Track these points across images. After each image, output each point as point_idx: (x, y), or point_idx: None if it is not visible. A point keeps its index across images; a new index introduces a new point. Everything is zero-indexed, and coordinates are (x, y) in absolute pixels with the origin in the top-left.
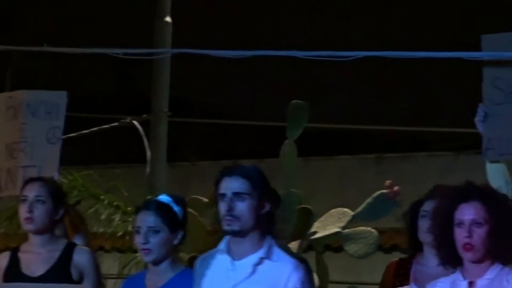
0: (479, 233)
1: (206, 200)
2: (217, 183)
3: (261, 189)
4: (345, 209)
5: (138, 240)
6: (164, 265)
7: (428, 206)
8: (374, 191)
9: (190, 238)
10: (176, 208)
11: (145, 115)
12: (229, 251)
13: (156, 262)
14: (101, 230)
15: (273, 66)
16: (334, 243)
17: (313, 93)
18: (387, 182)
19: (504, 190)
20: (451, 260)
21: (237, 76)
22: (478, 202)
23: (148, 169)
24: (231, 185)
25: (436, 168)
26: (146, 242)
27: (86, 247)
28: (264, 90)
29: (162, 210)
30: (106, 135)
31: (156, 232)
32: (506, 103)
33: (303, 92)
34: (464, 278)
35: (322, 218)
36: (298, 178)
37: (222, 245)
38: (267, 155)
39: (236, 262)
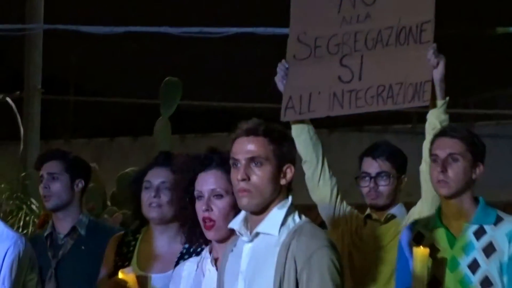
0: (220, 205)
1: None
2: None
3: None
4: None
5: None
6: None
7: (150, 176)
8: None
9: None
10: None
11: (18, 92)
12: None
13: None
14: None
15: (148, 43)
16: None
17: (189, 70)
18: None
19: (313, 155)
20: (196, 237)
21: (111, 53)
22: (218, 170)
23: (21, 147)
24: None
25: None
26: None
27: None
28: (139, 68)
29: None
30: None
31: None
32: (311, 57)
33: (178, 70)
34: (210, 254)
35: None
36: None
37: None
38: (142, 133)
39: None
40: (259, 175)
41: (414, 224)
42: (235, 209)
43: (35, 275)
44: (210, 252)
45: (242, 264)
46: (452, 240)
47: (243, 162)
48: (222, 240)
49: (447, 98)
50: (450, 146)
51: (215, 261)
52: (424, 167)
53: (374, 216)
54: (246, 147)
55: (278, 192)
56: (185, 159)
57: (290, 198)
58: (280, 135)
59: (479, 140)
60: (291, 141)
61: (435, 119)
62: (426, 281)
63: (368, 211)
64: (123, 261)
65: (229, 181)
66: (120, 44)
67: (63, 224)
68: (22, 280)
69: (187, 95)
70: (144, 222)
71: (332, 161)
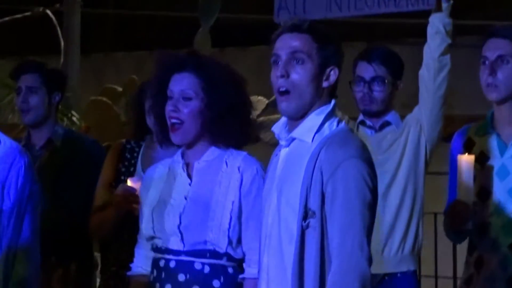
0: (189, 107)
1: (120, 89)
2: None
3: None
4: (260, 97)
5: None
6: None
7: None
8: None
9: (105, 127)
10: None
11: (57, 5)
12: None
13: None
14: (17, 120)
15: None
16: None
17: None
18: None
19: None
20: (167, 138)
21: None
22: (192, 74)
23: (62, 60)
24: None
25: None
26: None
27: None
28: None
29: None
30: (18, 25)
31: None
32: None
33: None
34: (182, 159)
35: None
36: None
37: None
38: (182, 46)
39: None
40: (300, 73)
41: (466, 130)
42: (203, 115)
43: (38, 187)
44: (182, 156)
45: (278, 171)
46: (502, 147)
47: (283, 58)
48: (190, 145)
49: (451, 1)
50: (499, 47)
51: (187, 166)
52: (425, 73)
53: (368, 122)
54: (288, 43)
55: (320, 95)
56: (162, 57)
57: (332, 103)
58: (325, 35)
59: None
60: (338, 44)
61: (438, 22)
62: (472, 191)
63: (360, 117)
64: (127, 167)
65: (201, 87)
66: None
67: (39, 136)
68: (28, 191)
69: (226, 8)
70: (147, 132)
71: None
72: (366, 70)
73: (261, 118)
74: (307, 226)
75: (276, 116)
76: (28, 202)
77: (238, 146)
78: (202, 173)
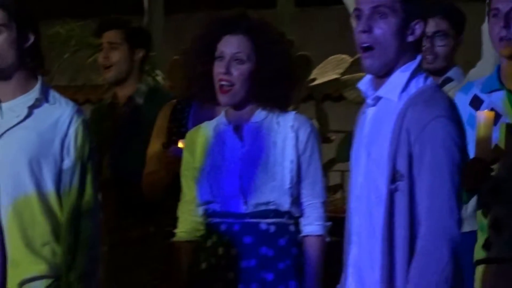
0: (241, 70)
1: None
2: None
3: (22, 17)
4: (344, 56)
5: None
6: None
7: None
8: None
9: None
10: None
11: None
12: None
13: None
14: (101, 81)
15: None
16: (334, 92)
17: None
18: None
19: None
20: (210, 99)
21: None
22: (244, 36)
23: (145, 20)
24: None
25: None
26: None
27: None
28: None
29: None
30: None
31: None
32: None
33: None
34: (229, 122)
35: (320, 65)
36: (294, 27)
37: None
38: (265, 5)
39: (3, 105)
40: (383, 28)
41: (469, 87)
42: (253, 78)
43: (95, 145)
44: (227, 118)
45: (365, 131)
46: None
47: (366, 12)
48: (236, 107)
49: None
50: None
51: (235, 128)
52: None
53: None
54: None
55: (405, 51)
56: (214, 18)
57: (418, 58)
58: None
59: None
60: None
61: None
62: (491, 149)
63: None
64: (178, 127)
65: (253, 50)
66: None
67: (122, 94)
68: (88, 150)
69: None
70: None
71: None
72: (428, 24)
73: (345, 77)
74: (396, 189)
75: (360, 74)
76: (89, 161)
77: (283, 108)
78: (253, 134)
